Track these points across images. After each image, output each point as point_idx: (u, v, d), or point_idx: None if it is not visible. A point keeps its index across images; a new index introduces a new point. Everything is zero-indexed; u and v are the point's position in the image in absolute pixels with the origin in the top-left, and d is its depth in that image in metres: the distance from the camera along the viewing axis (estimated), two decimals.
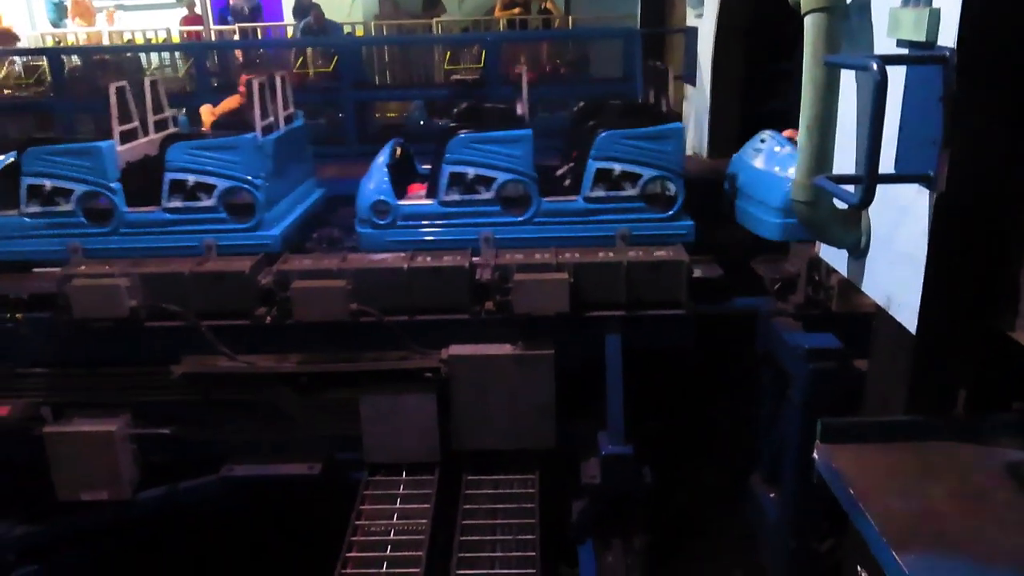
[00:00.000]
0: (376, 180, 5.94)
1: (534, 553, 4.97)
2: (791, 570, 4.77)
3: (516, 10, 13.43)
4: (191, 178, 5.86)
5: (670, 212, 5.78)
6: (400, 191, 6.06)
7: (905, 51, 3.34)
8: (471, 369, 5.38)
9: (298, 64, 9.83)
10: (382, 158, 6.22)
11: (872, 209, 3.73)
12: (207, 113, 8.03)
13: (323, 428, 5.69)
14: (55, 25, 15.66)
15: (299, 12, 13.64)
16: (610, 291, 5.36)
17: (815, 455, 3.24)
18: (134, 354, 5.61)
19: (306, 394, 5.62)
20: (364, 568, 4.91)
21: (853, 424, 3.32)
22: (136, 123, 6.70)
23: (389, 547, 5.06)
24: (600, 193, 5.79)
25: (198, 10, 13.93)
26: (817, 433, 3.26)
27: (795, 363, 4.46)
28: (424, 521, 5.20)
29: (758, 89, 7.66)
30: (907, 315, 3.39)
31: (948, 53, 3.01)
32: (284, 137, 6.39)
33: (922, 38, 3.14)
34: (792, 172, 5.68)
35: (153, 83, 7.12)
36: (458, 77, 9.64)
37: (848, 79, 3.77)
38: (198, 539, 6.34)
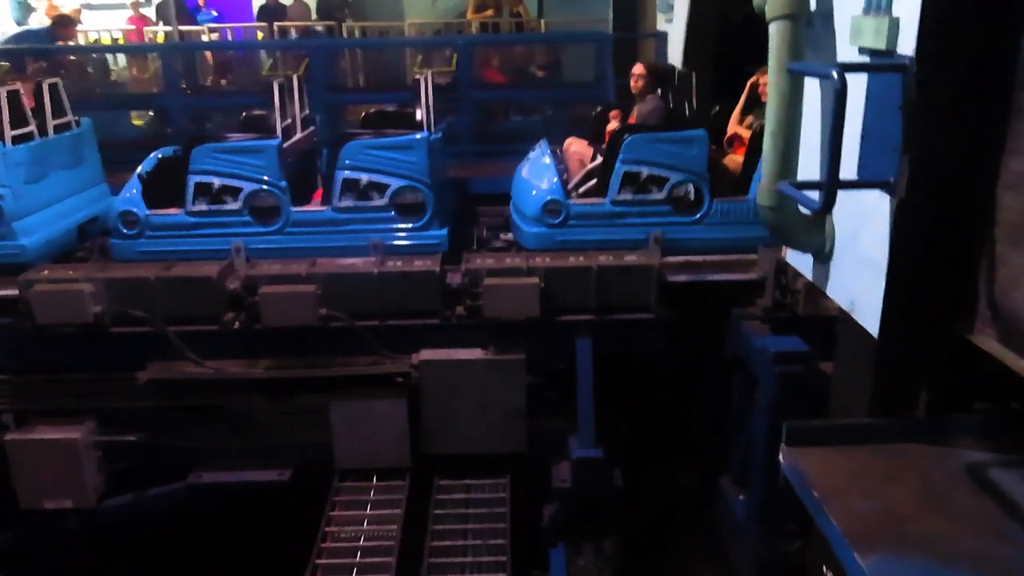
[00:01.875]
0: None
1: (505, 557, 4.98)
2: (760, 571, 4.81)
3: (488, 12, 13.45)
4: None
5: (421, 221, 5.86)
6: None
7: (866, 59, 3.39)
8: (442, 374, 5.37)
9: (267, 68, 9.75)
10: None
11: (836, 214, 3.78)
12: None
13: (292, 434, 5.64)
14: (19, 24, 15.38)
15: (267, 14, 13.60)
16: (580, 295, 5.37)
17: (780, 458, 3.28)
18: (99, 360, 5.52)
19: (275, 400, 5.57)
20: (334, 574, 4.87)
21: (817, 427, 3.36)
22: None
23: (359, 553, 5.03)
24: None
25: (143, 10, 13.85)
26: (783, 436, 3.29)
27: (762, 366, 4.50)
28: (394, 527, 5.18)
29: (728, 94, 7.73)
30: (870, 319, 3.44)
31: (908, 61, 3.06)
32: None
33: (882, 46, 3.19)
34: (545, 183, 5.83)
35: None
36: None
37: (812, 86, 3.82)
38: (165, 547, 6.25)
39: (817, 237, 3.89)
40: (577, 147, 6.45)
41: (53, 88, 6.39)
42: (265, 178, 5.81)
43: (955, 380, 3.42)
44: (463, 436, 5.48)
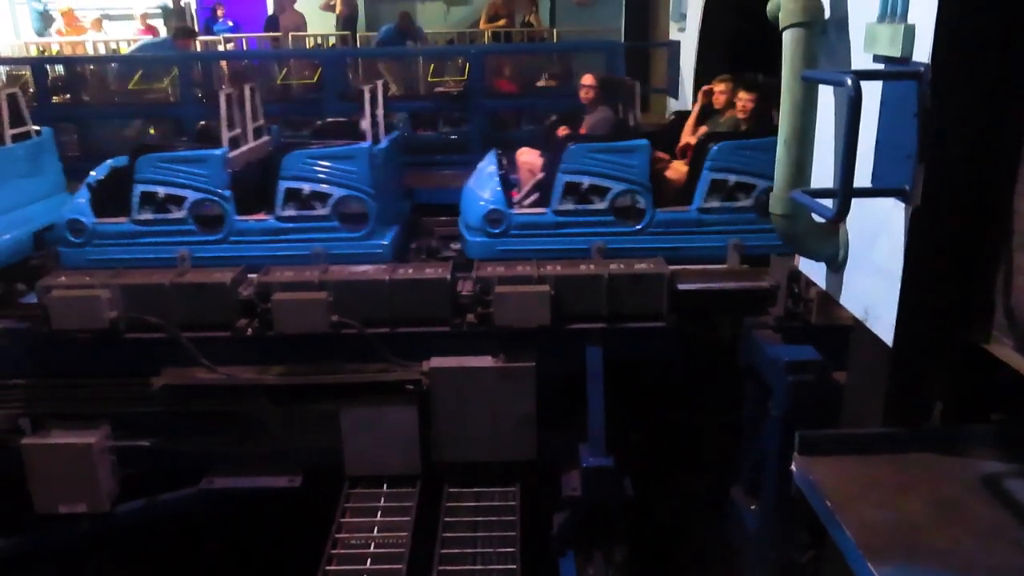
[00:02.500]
0: None
1: (515, 566, 4.96)
2: None
3: (501, 22, 13.50)
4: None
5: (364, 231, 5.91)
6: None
7: (881, 66, 3.38)
8: (452, 381, 5.37)
9: (282, 76, 9.82)
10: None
11: (850, 223, 3.76)
12: None
13: (303, 440, 5.65)
14: (39, 34, 15.59)
15: (271, 25, 13.73)
16: (591, 303, 5.37)
17: (793, 467, 3.25)
18: (114, 366, 5.56)
19: (286, 406, 5.59)
20: None
21: (831, 436, 3.34)
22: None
23: (369, 560, 5.02)
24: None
25: (151, 21, 14.00)
26: (795, 445, 3.27)
27: (775, 375, 4.48)
28: (404, 534, 5.17)
29: None
30: (884, 328, 3.42)
31: (923, 68, 3.05)
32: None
33: (897, 53, 3.18)
34: (488, 193, 5.83)
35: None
36: (441, 89, 9.66)
37: (826, 94, 3.81)
38: (177, 552, 6.28)
39: (830, 245, 3.87)
40: (527, 157, 6.46)
41: (12, 98, 6.51)
42: (209, 187, 5.86)
43: (970, 390, 3.39)
44: (473, 444, 5.47)
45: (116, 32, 14.52)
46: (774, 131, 5.82)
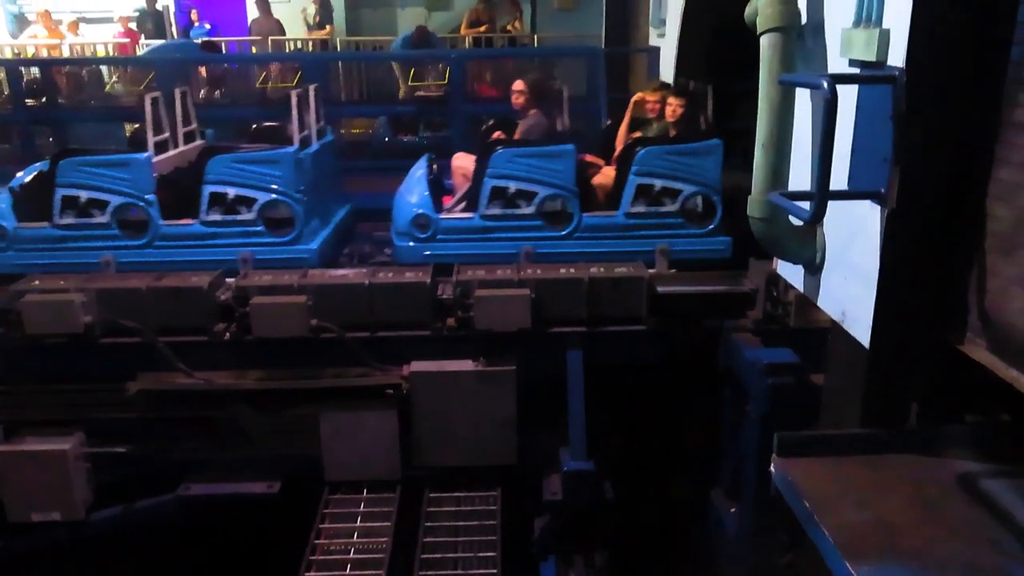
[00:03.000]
0: None
1: (496, 571, 4.93)
2: None
3: (482, 28, 13.52)
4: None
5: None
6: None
7: (857, 71, 3.41)
8: (432, 385, 5.34)
9: (261, 80, 9.77)
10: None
11: (827, 225, 3.80)
12: None
13: (282, 446, 5.58)
14: (14, 36, 15.41)
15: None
16: (571, 307, 5.36)
17: (772, 469, 3.27)
18: (89, 371, 5.46)
19: (265, 411, 5.53)
20: None
21: (809, 438, 3.36)
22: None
23: (349, 566, 4.97)
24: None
25: (132, 25, 13.91)
26: (774, 447, 3.29)
27: (754, 378, 4.50)
28: (385, 539, 5.13)
29: (720, 108, 7.78)
30: (861, 330, 3.45)
31: (898, 72, 3.09)
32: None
33: (873, 58, 3.22)
34: (415, 197, 5.87)
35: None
36: (421, 94, 9.66)
37: (803, 97, 3.84)
38: (154, 560, 6.18)
39: (808, 248, 3.91)
40: (461, 162, 6.46)
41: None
42: (133, 192, 5.81)
43: (946, 391, 3.43)
44: (454, 448, 5.45)
45: (93, 35, 14.39)
46: (701, 136, 5.95)
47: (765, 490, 3.43)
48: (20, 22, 16.39)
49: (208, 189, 5.82)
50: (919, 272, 3.27)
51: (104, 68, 11.22)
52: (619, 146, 6.51)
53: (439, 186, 6.46)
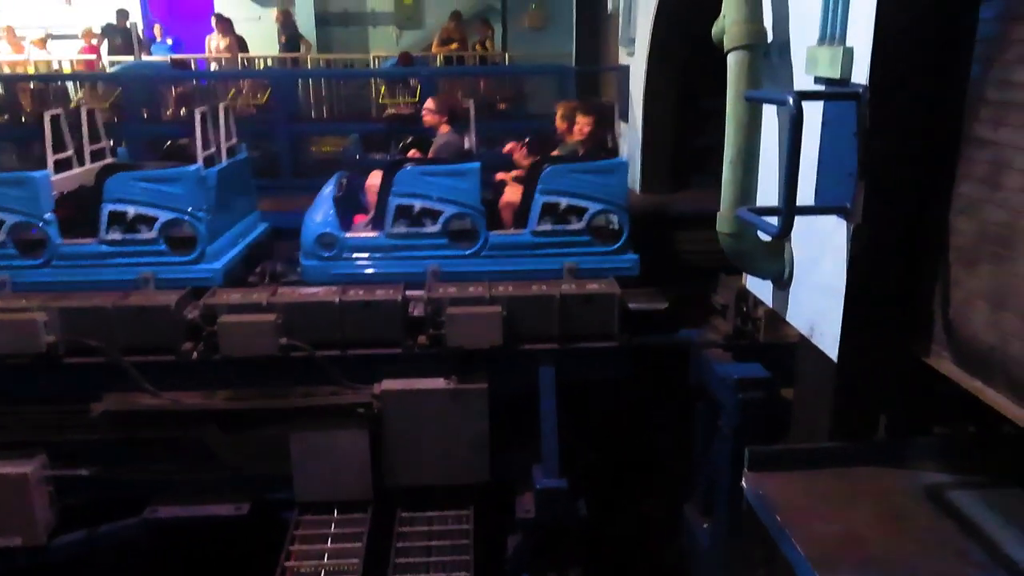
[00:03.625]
0: None
1: None
2: None
3: (453, 46, 13.58)
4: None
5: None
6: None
7: (822, 88, 3.47)
8: (404, 404, 5.30)
9: (231, 96, 9.70)
10: None
11: (794, 241, 3.84)
12: None
13: (251, 467, 5.51)
14: None
15: None
16: (543, 324, 5.37)
17: (744, 483, 3.28)
18: (51, 392, 5.36)
19: (234, 432, 5.45)
20: None
21: (780, 452, 3.38)
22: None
23: None
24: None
25: (94, 41, 13.78)
26: (745, 461, 3.30)
27: (725, 393, 4.52)
28: (355, 560, 5.07)
29: (689, 125, 7.87)
30: (829, 343, 3.48)
31: (861, 90, 3.14)
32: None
33: (837, 75, 3.28)
34: (320, 215, 5.87)
35: (90, 112, 6.92)
36: (392, 111, 9.64)
37: (770, 114, 3.89)
38: None
39: (776, 263, 3.94)
40: (375, 180, 6.40)
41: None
42: (29, 211, 5.68)
43: (914, 403, 3.47)
44: (426, 467, 5.40)
45: (60, 52, 14.22)
46: (607, 154, 5.98)
47: (737, 504, 3.44)
48: None
49: (107, 208, 5.68)
50: (885, 286, 3.31)
51: (70, 84, 11.07)
52: (524, 164, 6.53)
53: (352, 204, 6.39)
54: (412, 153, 6.82)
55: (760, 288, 4.48)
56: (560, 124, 6.52)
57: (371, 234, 5.88)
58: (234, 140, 6.68)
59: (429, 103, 6.72)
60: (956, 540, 2.84)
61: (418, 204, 5.78)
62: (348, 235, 5.86)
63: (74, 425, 5.39)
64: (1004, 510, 2.94)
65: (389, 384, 5.32)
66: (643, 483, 6.17)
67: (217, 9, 14.87)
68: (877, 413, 3.49)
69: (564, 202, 5.80)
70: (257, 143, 9.71)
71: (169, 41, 14.10)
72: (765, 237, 3.80)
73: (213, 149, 6.16)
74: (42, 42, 13.93)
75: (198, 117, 5.91)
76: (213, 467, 5.51)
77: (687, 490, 5.43)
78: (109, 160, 6.94)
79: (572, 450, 5.45)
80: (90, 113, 6.91)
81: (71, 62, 13.17)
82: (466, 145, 6.23)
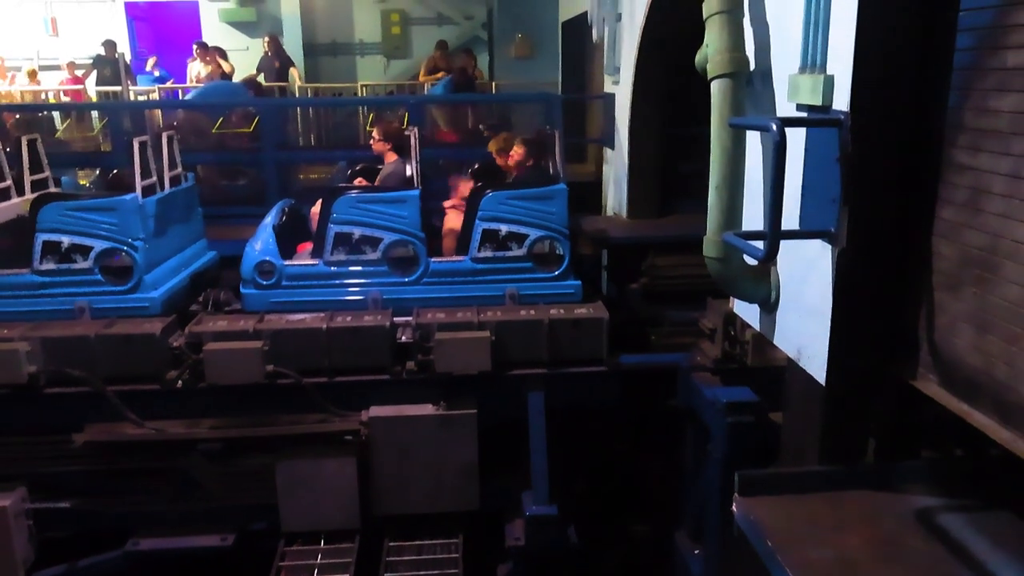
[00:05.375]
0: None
1: None
2: None
3: (440, 75, 13.67)
4: (66, 239, 5.64)
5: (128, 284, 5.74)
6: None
7: (804, 114, 3.51)
8: (392, 431, 5.27)
9: (217, 125, 9.71)
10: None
11: (780, 265, 3.86)
12: None
13: (237, 497, 5.44)
14: None
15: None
16: (532, 349, 5.36)
17: (734, 508, 3.26)
18: (32, 422, 5.29)
19: (219, 461, 5.39)
20: None
21: (769, 476, 3.36)
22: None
23: None
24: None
25: (77, 72, 13.85)
26: (735, 486, 3.29)
27: (713, 417, 4.52)
28: None
29: (675, 151, 7.94)
30: (816, 367, 3.49)
31: (843, 116, 3.18)
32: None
33: (819, 102, 3.32)
34: (259, 244, 5.84)
35: (31, 142, 6.89)
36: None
37: (754, 141, 3.93)
38: None
39: (763, 287, 3.96)
40: (318, 208, 6.32)
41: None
42: None
43: (902, 426, 3.47)
44: (414, 495, 5.35)
45: (48, 82, 14.27)
46: (546, 182, 6.02)
47: (728, 530, 3.42)
48: None
49: (41, 237, 5.61)
50: (871, 309, 3.33)
51: (56, 114, 11.06)
52: (464, 191, 6.56)
53: (296, 233, 6.37)
54: (359, 181, 6.81)
55: (747, 312, 4.49)
56: (497, 158, 6.58)
57: (310, 262, 5.85)
58: (179, 169, 6.63)
59: (376, 131, 6.73)
60: (947, 564, 2.83)
61: (357, 232, 5.76)
62: (287, 263, 5.82)
63: (55, 456, 5.31)
64: (994, 533, 2.94)
65: (377, 411, 5.29)
66: (633, 509, 6.13)
67: (205, 39, 14.96)
68: (866, 436, 3.49)
69: (504, 228, 5.80)
70: (245, 171, 9.75)
71: (157, 72, 14.13)
72: (751, 261, 3.81)
73: (154, 178, 6.11)
74: (33, 73, 14.02)
75: (136, 146, 5.87)
76: (197, 497, 5.44)
77: (677, 515, 5.41)
78: (53, 190, 6.87)
79: (562, 476, 5.41)
80: (31, 143, 6.85)
81: (57, 93, 13.20)
82: (407, 173, 6.23)
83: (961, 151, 2.94)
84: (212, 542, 5.35)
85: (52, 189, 6.96)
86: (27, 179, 6.74)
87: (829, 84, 3.28)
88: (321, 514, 5.35)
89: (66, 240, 5.63)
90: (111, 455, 5.30)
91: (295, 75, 13.93)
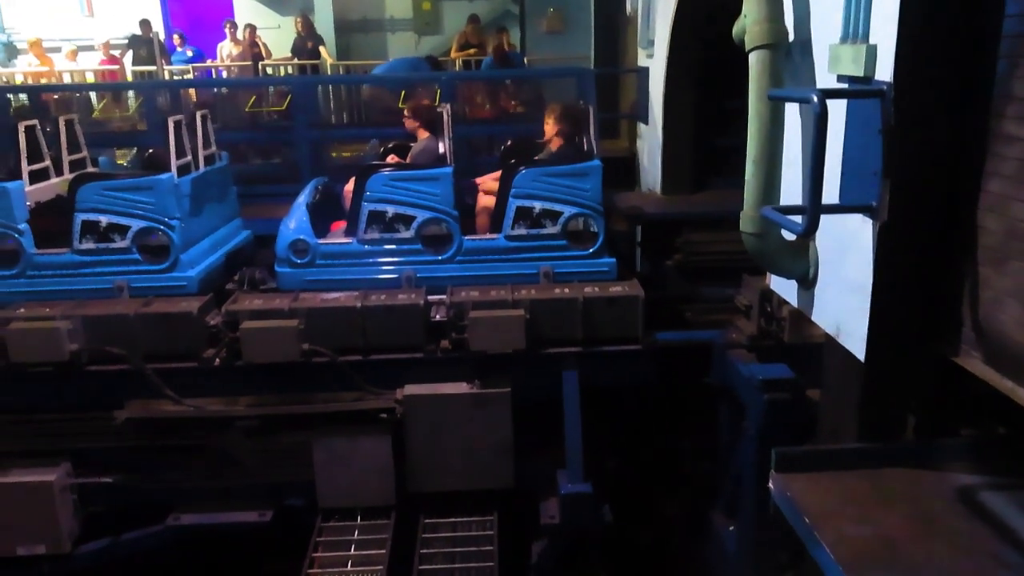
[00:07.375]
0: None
1: None
2: None
3: (472, 51, 13.61)
4: (104, 219, 5.72)
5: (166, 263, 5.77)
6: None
7: (845, 86, 3.42)
8: (427, 409, 5.29)
9: (251, 103, 9.77)
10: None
11: (819, 240, 3.79)
12: None
13: (274, 473, 5.52)
14: (4, 65, 15.47)
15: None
16: (566, 327, 5.34)
17: (770, 485, 3.23)
18: (75, 400, 5.40)
19: (256, 438, 5.47)
20: None
21: (807, 453, 3.33)
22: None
23: None
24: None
25: (114, 52, 13.99)
26: (772, 463, 3.25)
27: (750, 394, 4.47)
28: (380, 567, 5.06)
29: (709, 126, 7.82)
30: (856, 343, 3.43)
31: (885, 87, 3.09)
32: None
33: (860, 73, 3.23)
34: (294, 222, 5.77)
35: (68, 122, 6.97)
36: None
37: (793, 113, 3.85)
38: None
39: (801, 262, 3.90)
40: (351, 187, 6.25)
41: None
42: (3, 221, 5.65)
43: (942, 403, 3.41)
44: (449, 473, 5.39)
45: (81, 63, 14.46)
46: (581, 158, 5.91)
47: (764, 507, 3.39)
48: (9, 50, 16.45)
49: (80, 217, 5.69)
50: (913, 285, 3.25)
51: (93, 95, 11.21)
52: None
53: (329, 211, 6.37)
54: (391, 158, 6.79)
55: (784, 288, 4.42)
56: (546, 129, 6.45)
57: (344, 240, 5.86)
58: (213, 148, 6.68)
59: (407, 109, 6.68)
60: (989, 542, 2.77)
61: (391, 210, 5.75)
62: (321, 242, 5.84)
63: (97, 433, 5.42)
64: None
65: (412, 389, 5.31)
66: (667, 487, 6.12)
67: (236, 18, 15.04)
68: (905, 414, 3.43)
69: (538, 206, 5.74)
70: (279, 150, 9.80)
71: (189, 52, 14.24)
72: (789, 236, 3.75)
73: (189, 157, 6.16)
74: (73, 54, 14.23)
75: (171, 126, 5.92)
76: (236, 474, 5.53)
77: (712, 493, 5.38)
78: (90, 170, 6.96)
79: (596, 455, 5.41)
80: (68, 123, 6.94)
81: (95, 72, 13.37)
82: (440, 150, 6.20)
83: (1010, 122, 2.84)
84: (251, 518, 5.44)
85: (90, 169, 7.06)
86: (65, 159, 6.84)
87: (871, 54, 3.19)
88: (357, 491, 5.41)
89: (104, 220, 5.71)
90: (151, 432, 5.40)
91: (324, 53, 13.97)
